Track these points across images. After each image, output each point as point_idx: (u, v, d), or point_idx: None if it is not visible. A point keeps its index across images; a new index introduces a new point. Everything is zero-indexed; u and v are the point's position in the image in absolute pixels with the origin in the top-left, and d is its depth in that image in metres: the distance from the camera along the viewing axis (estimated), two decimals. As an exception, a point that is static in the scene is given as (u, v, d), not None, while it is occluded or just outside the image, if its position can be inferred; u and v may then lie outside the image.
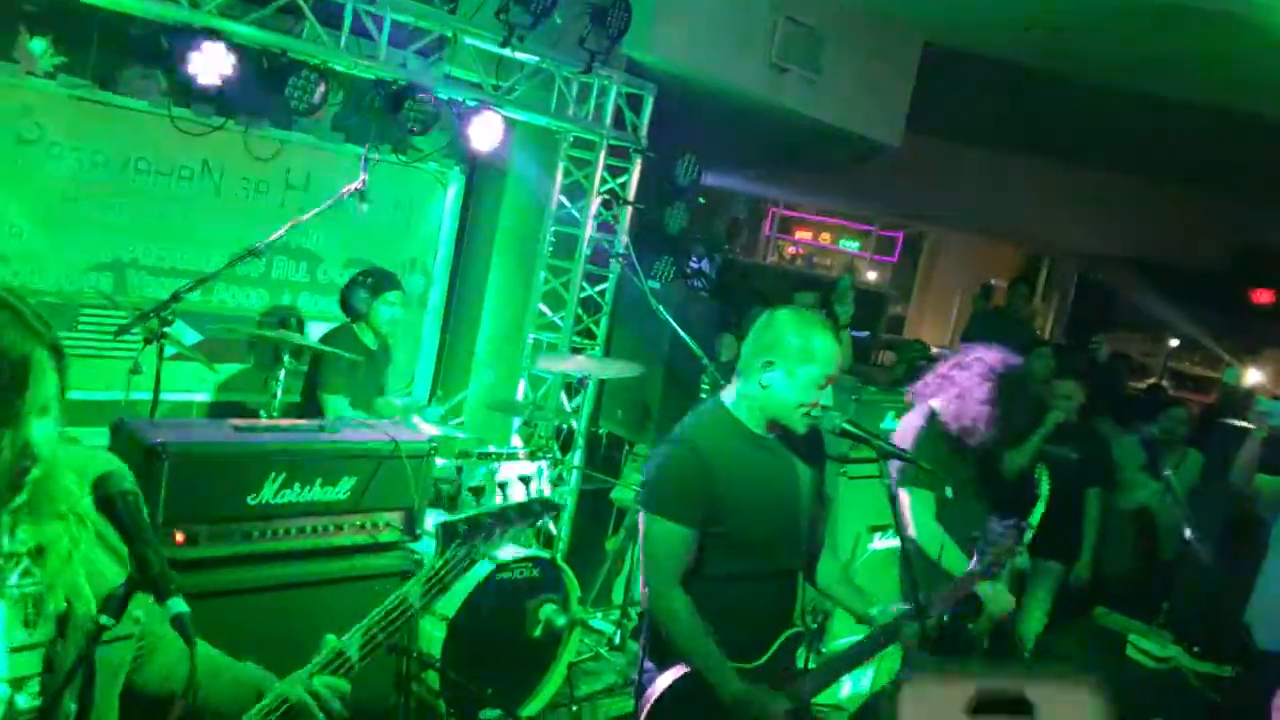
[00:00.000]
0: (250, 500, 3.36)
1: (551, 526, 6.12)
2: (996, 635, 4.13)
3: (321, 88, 4.78)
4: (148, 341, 4.23)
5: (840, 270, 15.52)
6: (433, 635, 3.99)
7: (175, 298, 4.22)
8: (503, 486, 4.80)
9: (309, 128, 5.60)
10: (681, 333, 4.95)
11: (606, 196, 6.20)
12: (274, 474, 3.40)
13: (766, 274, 14.50)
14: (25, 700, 1.43)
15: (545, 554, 4.48)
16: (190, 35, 4.39)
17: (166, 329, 4.24)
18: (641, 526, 2.76)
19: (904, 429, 4.13)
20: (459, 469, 4.76)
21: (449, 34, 5.22)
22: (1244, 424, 5.06)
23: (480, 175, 6.57)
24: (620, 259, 6.08)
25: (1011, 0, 6.70)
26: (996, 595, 3.89)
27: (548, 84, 5.77)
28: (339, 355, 4.69)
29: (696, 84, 6.83)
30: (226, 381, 5.69)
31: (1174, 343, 15.08)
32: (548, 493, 5.02)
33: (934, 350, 12.06)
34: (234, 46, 4.47)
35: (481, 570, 4.12)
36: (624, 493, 5.75)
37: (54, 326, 1.45)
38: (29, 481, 1.41)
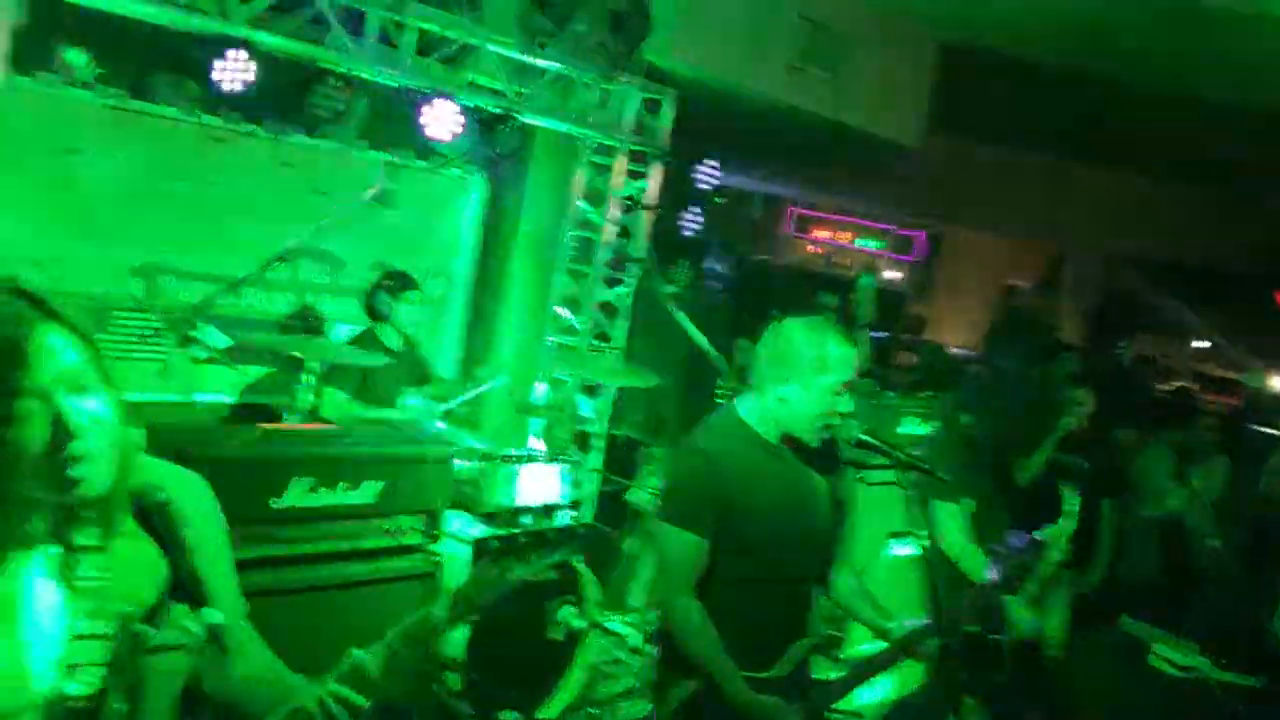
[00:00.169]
0: (275, 504, 3.44)
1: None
2: (1023, 651, 4.15)
3: (347, 95, 4.87)
4: (178, 345, 4.34)
5: (860, 270, 15.48)
6: (454, 636, 4.07)
7: (205, 304, 4.32)
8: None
9: (335, 134, 5.69)
10: (698, 336, 5.01)
11: (626, 201, 6.27)
12: (299, 478, 3.48)
13: (785, 275, 14.49)
14: (75, 688, 1.46)
15: (564, 556, 4.54)
16: (220, 44, 4.50)
17: (195, 333, 4.35)
18: (656, 531, 2.80)
19: None
20: (480, 471, 4.84)
21: (472, 42, 5.29)
22: (1273, 430, 5.09)
23: (502, 180, 6.66)
24: (638, 263, 6.15)
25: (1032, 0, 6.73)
26: (1021, 620, 3.90)
27: (568, 90, 5.84)
28: (353, 364, 4.77)
29: (716, 87, 6.88)
30: (253, 384, 5.79)
31: (1200, 345, 14.97)
32: (567, 497, 5.09)
33: (955, 351, 12.06)
34: (262, 55, 4.57)
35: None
36: (640, 495, 5.80)
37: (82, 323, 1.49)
38: (89, 472, 1.44)
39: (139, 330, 4.33)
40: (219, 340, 5.09)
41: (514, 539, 1.96)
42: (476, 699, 4.12)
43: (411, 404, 5.39)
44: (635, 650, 5.21)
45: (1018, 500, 4.36)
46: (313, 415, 4.94)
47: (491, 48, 5.39)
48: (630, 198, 6.29)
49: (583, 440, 6.36)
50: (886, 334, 12.55)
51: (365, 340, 5.18)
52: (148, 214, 5.29)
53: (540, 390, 6.34)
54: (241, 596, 1.80)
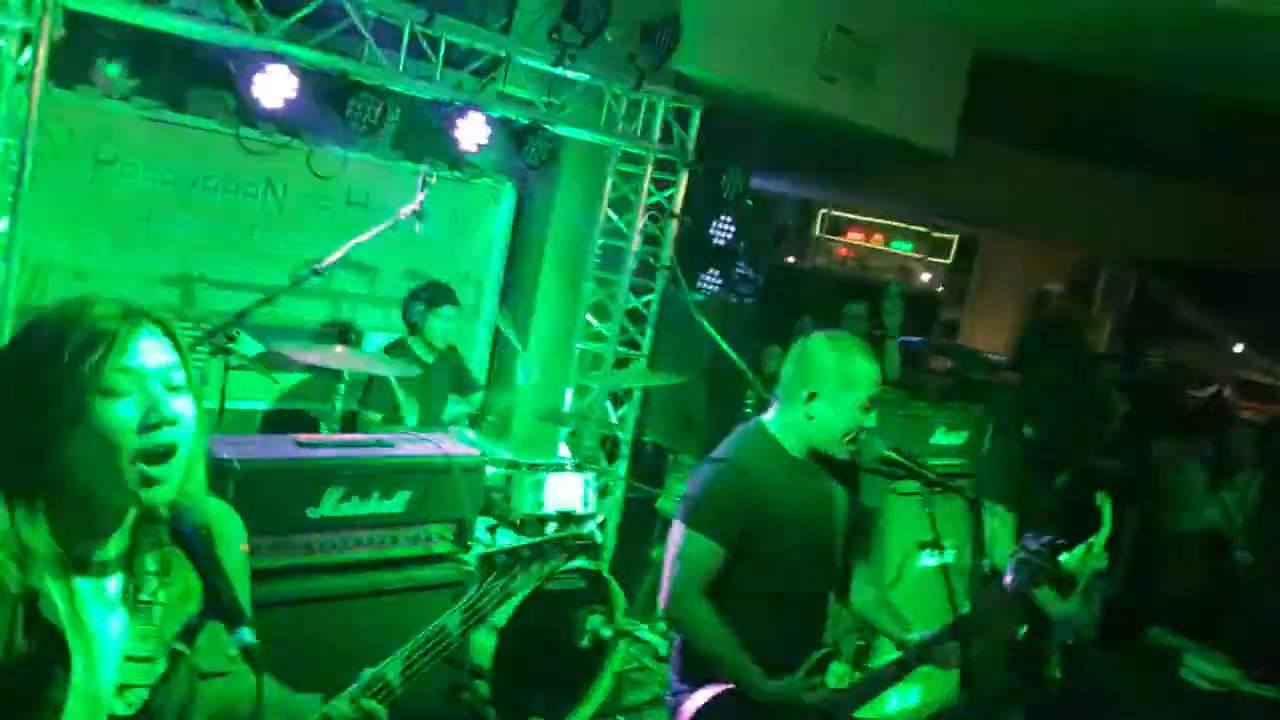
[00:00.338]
0: (310, 513, 3.50)
1: (597, 536, 6.24)
2: (1069, 656, 4.15)
3: (380, 108, 4.92)
4: (214, 353, 4.42)
5: (889, 277, 15.44)
6: (483, 644, 4.12)
7: (243, 315, 4.39)
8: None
9: (369, 146, 5.76)
10: (724, 345, 5.02)
11: (653, 211, 6.30)
12: (333, 488, 3.54)
13: (815, 280, 14.46)
14: (122, 708, 1.51)
15: (591, 565, 4.59)
16: (255, 58, 4.57)
17: (232, 343, 4.42)
18: (675, 538, 2.81)
19: None
20: (508, 479, 4.89)
21: (503, 54, 5.34)
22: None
23: (531, 190, 6.71)
24: (665, 271, 6.18)
25: (1063, 5, 6.69)
26: (1063, 609, 3.89)
27: (598, 100, 5.88)
28: (385, 379, 4.84)
29: (746, 96, 6.90)
30: (288, 391, 5.87)
31: (1237, 349, 14.78)
32: (594, 505, 5.13)
33: (988, 356, 11.98)
34: (297, 69, 4.64)
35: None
36: (668, 503, 5.84)
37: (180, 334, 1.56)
38: (168, 474, 1.49)
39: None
40: (252, 348, 5.16)
41: (517, 551, 2.01)
42: (505, 706, 4.16)
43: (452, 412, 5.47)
44: (662, 659, 5.25)
45: (1054, 507, 4.36)
46: (347, 423, 5.02)
47: (521, 59, 5.43)
48: (658, 206, 6.32)
49: (610, 447, 6.41)
50: (919, 339, 12.51)
51: (397, 350, 5.25)
52: (184, 224, 5.40)
53: (568, 398, 6.39)
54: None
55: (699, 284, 6.90)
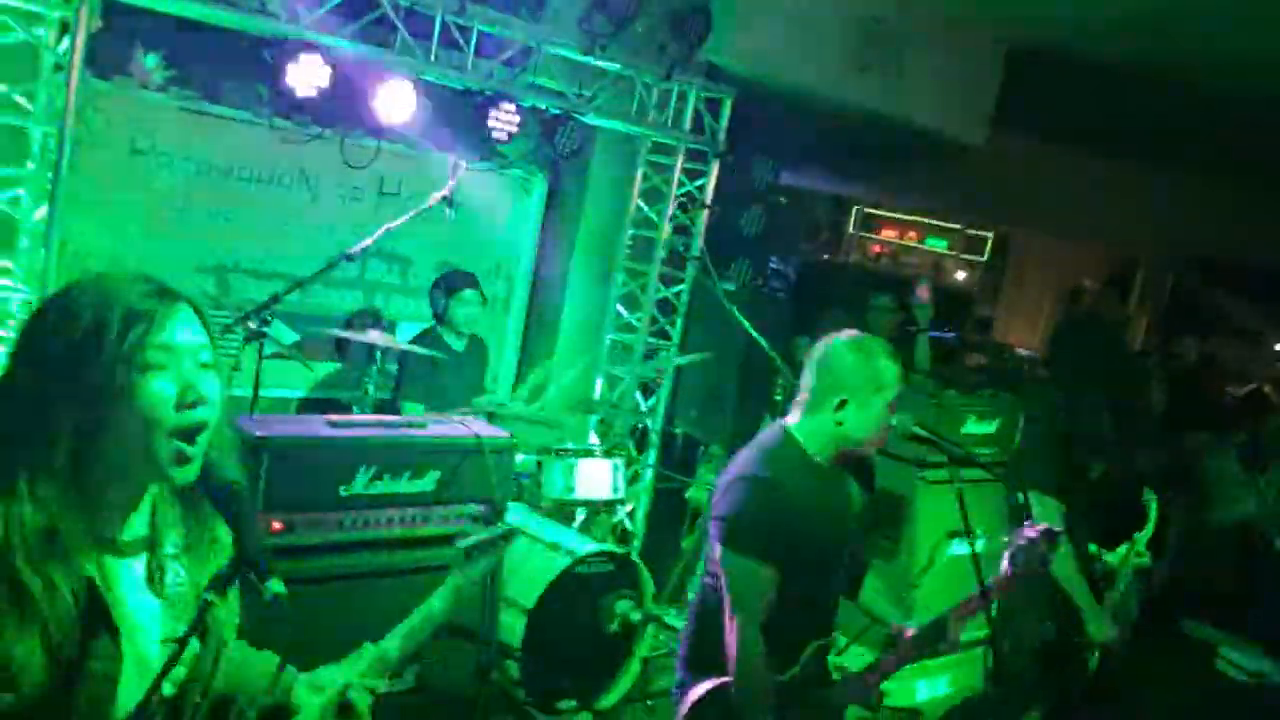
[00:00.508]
0: (343, 491, 3.55)
1: (627, 523, 6.26)
2: (1103, 657, 4.11)
3: (413, 98, 4.97)
4: (248, 340, 4.48)
5: (920, 272, 15.35)
6: (513, 626, 4.15)
7: (274, 300, 4.44)
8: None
9: (400, 136, 5.81)
10: (755, 334, 5.02)
11: (683, 200, 6.31)
12: (365, 467, 3.59)
13: (846, 274, 14.40)
14: (168, 689, 1.55)
15: (620, 550, 4.60)
16: (289, 48, 4.62)
17: (265, 329, 4.47)
18: (723, 563, 2.75)
19: None
20: (539, 464, 4.92)
21: (533, 44, 5.37)
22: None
23: (563, 180, 6.74)
24: (695, 261, 6.19)
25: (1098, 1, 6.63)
26: (1100, 625, 3.87)
27: (628, 90, 5.89)
28: (420, 362, 4.88)
29: (777, 86, 6.89)
30: (322, 379, 5.94)
31: (1278, 347, 14.57)
32: (623, 492, 5.15)
33: (1022, 353, 11.88)
34: (330, 59, 4.69)
35: (559, 563, 4.27)
36: (698, 492, 5.85)
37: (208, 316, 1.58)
38: (197, 452, 1.51)
39: (211, 327, 4.47)
40: (288, 336, 5.22)
41: (489, 541, 2.22)
42: (534, 688, 4.19)
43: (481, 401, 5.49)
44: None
45: (1089, 502, 4.33)
46: (380, 410, 5.07)
47: (552, 49, 5.46)
48: (689, 196, 6.33)
49: (640, 436, 6.43)
50: (953, 334, 12.43)
51: (426, 339, 5.29)
52: (219, 214, 5.47)
53: (598, 387, 6.41)
54: None
55: (728, 275, 6.90)
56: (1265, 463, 5.59)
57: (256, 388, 4.52)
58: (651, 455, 6.36)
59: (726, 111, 6.28)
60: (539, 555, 4.38)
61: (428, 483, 3.74)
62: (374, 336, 4.75)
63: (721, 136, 6.28)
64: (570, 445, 5.09)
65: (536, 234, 6.83)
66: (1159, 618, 5.26)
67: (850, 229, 17.04)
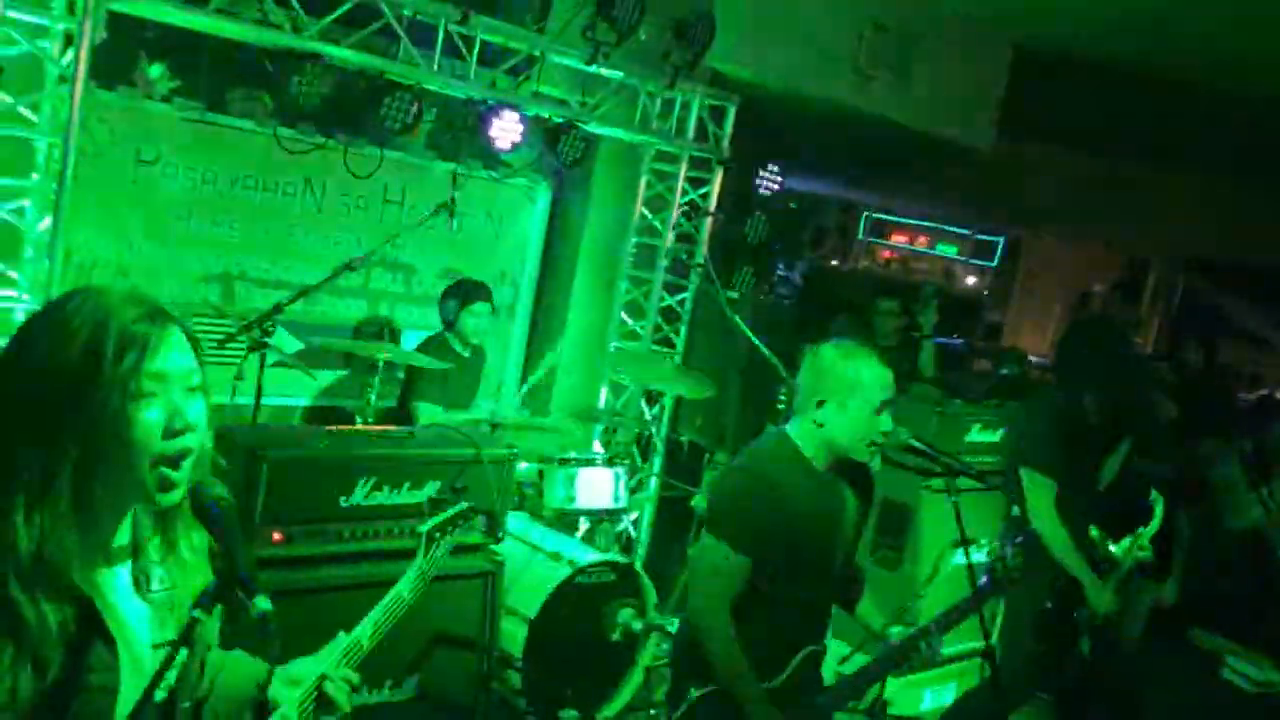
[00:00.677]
0: (343, 502, 3.55)
1: (632, 531, 6.26)
2: (1099, 637, 4.11)
3: (415, 107, 4.97)
4: (251, 350, 4.48)
5: (935, 278, 15.31)
6: (514, 635, 4.15)
7: (277, 309, 4.45)
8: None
9: (404, 145, 5.82)
10: (758, 343, 5.02)
11: (687, 208, 6.31)
12: (365, 478, 3.59)
13: (853, 281, 14.39)
14: (159, 694, 1.55)
15: (622, 559, 4.60)
16: (293, 58, 4.64)
17: (268, 338, 4.48)
18: (703, 546, 2.83)
19: None
20: (540, 473, 4.92)
21: (537, 53, 5.38)
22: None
23: (566, 189, 6.75)
24: (698, 269, 6.18)
25: (1105, 2, 6.60)
26: (1100, 595, 3.91)
27: (632, 99, 5.89)
28: (427, 375, 4.89)
29: (782, 93, 6.88)
30: (326, 388, 5.95)
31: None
32: (625, 501, 5.15)
33: (1032, 358, 11.83)
34: (333, 68, 4.71)
35: (560, 573, 4.27)
36: (704, 501, 5.83)
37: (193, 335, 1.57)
38: (183, 478, 1.51)
39: (215, 336, 4.48)
40: (291, 344, 5.24)
41: (443, 525, 2.49)
42: (535, 697, 4.18)
43: (484, 405, 5.51)
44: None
45: (1097, 500, 4.32)
46: (384, 419, 5.08)
47: (556, 58, 5.46)
48: (692, 204, 6.33)
49: (644, 445, 6.42)
50: (961, 340, 12.39)
51: (433, 345, 5.31)
52: (223, 223, 5.49)
53: (603, 396, 6.41)
54: None
55: (732, 283, 6.88)
56: (1269, 470, 5.55)
57: (258, 397, 4.53)
58: (656, 463, 6.35)
59: (730, 119, 6.28)
60: (540, 565, 4.38)
61: (428, 493, 3.74)
62: (379, 347, 4.76)
63: (725, 144, 6.28)
64: (572, 454, 5.08)
65: (541, 242, 6.84)
66: (1169, 628, 5.23)
67: (859, 235, 17.00)
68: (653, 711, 4.71)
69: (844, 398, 2.77)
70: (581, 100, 5.72)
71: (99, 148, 4.93)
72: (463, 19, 4.98)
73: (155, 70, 4.95)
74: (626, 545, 6.13)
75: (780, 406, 5.33)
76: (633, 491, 5.62)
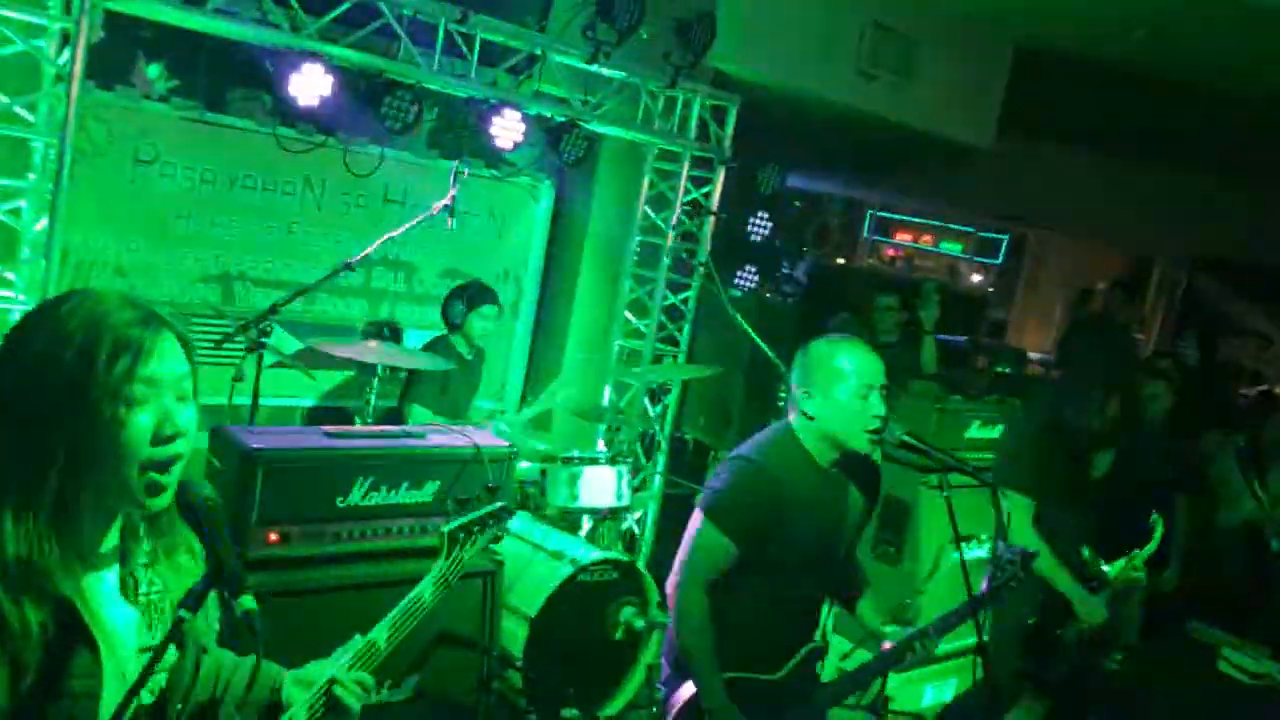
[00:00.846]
0: (340, 502, 3.53)
1: (636, 530, 6.25)
2: (1088, 643, 4.11)
3: (416, 106, 4.96)
4: (249, 350, 4.47)
5: (939, 275, 15.30)
6: (515, 634, 4.13)
7: (274, 309, 4.44)
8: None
9: (405, 144, 5.81)
10: (759, 341, 5.00)
11: (689, 207, 6.29)
12: (362, 478, 3.57)
13: (858, 279, 14.35)
14: (147, 697, 1.55)
15: (624, 557, 4.59)
16: (292, 58, 4.63)
17: (266, 338, 4.47)
18: (692, 524, 2.84)
19: None
20: (543, 472, 4.91)
21: (538, 52, 5.36)
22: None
23: (570, 187, 6.74)
24: (701, 268, 6.17)
25: (1106, 1, 6.58)
26: (1091, 607, 3.90)
27: (634, 98, 5.88)
28: (428, 375, 4.88)
29: (783, 93, 6.87)
30: (326, 388, 5.94)
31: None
32: (628, 499, 5.13)
33: (1033, 356, 11.80)
34: (333, 68, 4.69)
35: (562, 572, 4.25)
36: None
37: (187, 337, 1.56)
38: (173, 482, 1.50)
39: (214, 336, 4.47)
40: (290, 345, 5.23)
41: (468, 526, 2.29)
42: (537, 697, 4.17)
43: (485, 407, 5.50)
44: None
45: (1092, 501, 4.31)
46: (384, 419, 5.07)
47: (557, 57, 5.45)
48: (695, 203, 6.31)
49: (648, 443, 6.41)
50: (965, 338, 12.36)
51: (437, 347, 5.29)
52: (223, 223, 5.48)
53: (606, 394, 6.40)
54: None
55: (736, 281, 6.87)
56: (1263, 464, 5.55)
57: (256, 397, 4.51)
58: (660, 461, 6.34)
59: (732, 118, 6.26)
60: (542, 563, 4.36)
61: (426, 493, 3.72)
62: (374, 351, 4.73)
63: (727, 143, 6.26)
64: (575, 453, 5.07)
65: (545, 240, 6.83)
66: (1165, 620, 5.22)
67: (864, 233, 16.98)
68: (654, 709, 4.70)
69: (828, 386, 2.77)
70: (583, 99, 5.70)
71: (96, 147, 4.93)
72: (462, 18, 4.96)
73: (153, 70, 4.95)
74: (630, 544, 6.12)
75: (782, 404, 5.32)
76: (636, 490, 5.61)
